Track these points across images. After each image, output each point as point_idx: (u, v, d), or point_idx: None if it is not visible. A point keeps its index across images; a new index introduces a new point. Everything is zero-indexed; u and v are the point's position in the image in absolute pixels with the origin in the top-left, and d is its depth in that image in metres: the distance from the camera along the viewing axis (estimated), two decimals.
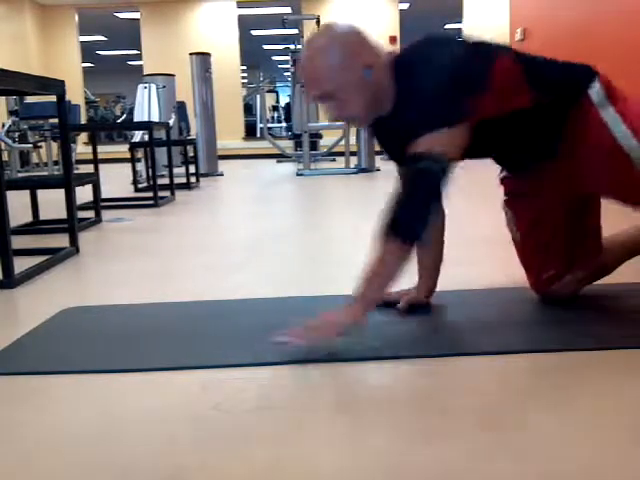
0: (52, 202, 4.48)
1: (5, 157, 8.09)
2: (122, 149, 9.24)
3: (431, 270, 1.85)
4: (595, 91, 1.60)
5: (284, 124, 15.40)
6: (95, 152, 4.69)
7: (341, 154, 8.53)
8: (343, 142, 7.95)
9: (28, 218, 3.97)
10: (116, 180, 7.54)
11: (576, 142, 1.60)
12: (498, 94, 1.54)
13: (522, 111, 1.58)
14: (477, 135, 1.54)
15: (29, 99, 8.25)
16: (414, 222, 1.47)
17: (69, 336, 1.72)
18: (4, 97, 9.26)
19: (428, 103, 1.49)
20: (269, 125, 12.67)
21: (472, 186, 5.16)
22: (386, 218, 1.48)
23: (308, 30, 10.09)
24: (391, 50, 1.63)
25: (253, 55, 15.11)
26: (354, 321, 1.48)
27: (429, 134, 1.46)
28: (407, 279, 1.71)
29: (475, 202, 4.24)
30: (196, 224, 3.82)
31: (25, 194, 3.95)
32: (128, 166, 7.14)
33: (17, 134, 9.01)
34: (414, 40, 1.62)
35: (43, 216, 4.03)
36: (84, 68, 12.29)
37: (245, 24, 12.20)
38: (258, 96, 13.72)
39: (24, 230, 3.70)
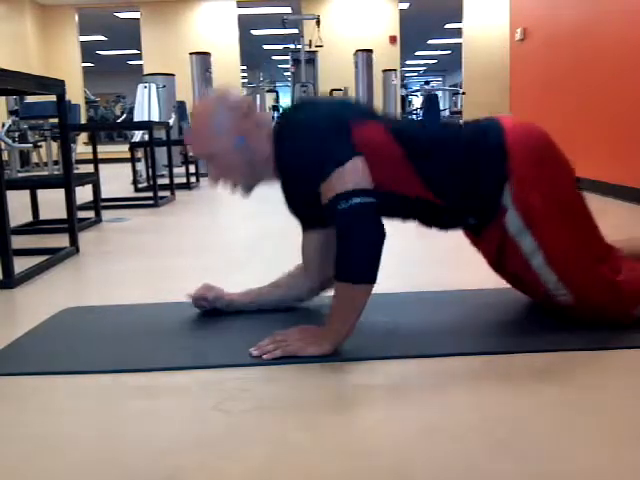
0: (52, 202, 4.48)
1: (5, 157, 8.09)
2: (122, 149, 9.25)
3: (274, 289, 1.87)
4: (510, 220, 1.56)
5: None
6: (95, 152, 4.69)
7: None
8: None
9: (28, 218, 3.97)
10: (116, 180, 7.54)
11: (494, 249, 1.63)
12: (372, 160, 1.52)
13: (427, 201, 1.59)
14: (391, 204, 1.59)
15: (29, 99, 8.25)
16: (365, 263, 1.44)
17: (69, 336, 1.72)
18: (4, 97, 9.26)
19: (311, 156, 1.50)
20: None
21: None
22: (339, 267, 1.45)
23: (308, 30, 10.09)
24: (273, 120, 1.66)
25: (253, 55, 15.11)
26: (323, 354, 1.48)
27: (328, 180, 1.45)
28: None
29: None
30: (196, 224, 3.82)
31: (25, 194, 3.96)
32: (128, 166, 7.15)
33: (17, 134, 9.01)
34: (288, 108, 1.67)
35: (43, 216, 4.03)
36: (84, 68, 12.29)
37: (245, 24, 12.20)
38: (258, 96, 13.74)
39: (24, 230, 3.70)
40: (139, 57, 12.20)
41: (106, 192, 5.49)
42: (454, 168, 1.56)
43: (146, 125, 5.39)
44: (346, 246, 1.43)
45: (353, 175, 1.45)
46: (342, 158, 1.46)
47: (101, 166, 4.78)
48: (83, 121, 11.35)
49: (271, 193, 2.63)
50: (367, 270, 1.44)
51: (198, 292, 1.86)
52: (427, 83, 16.17)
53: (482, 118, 1.69)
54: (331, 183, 1.45)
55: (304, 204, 1.68)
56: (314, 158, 1.49)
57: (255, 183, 1.66)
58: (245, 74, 15.64)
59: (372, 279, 1.45)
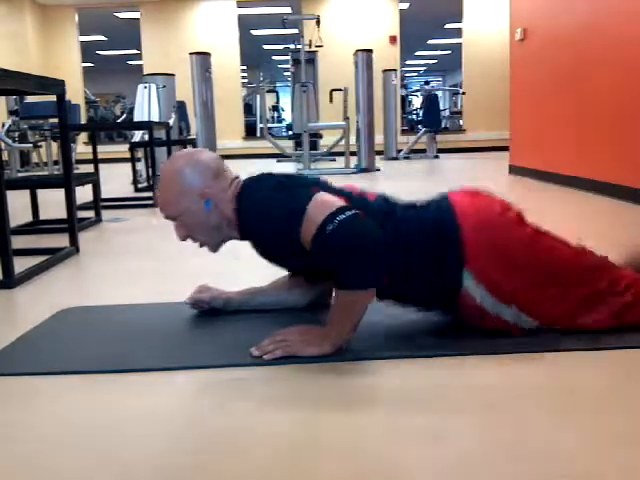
0: (52, 202, 4.48)
1: (5, 157, 8.09)
2: (122, 149, 9.24)
3: (273, 290, 1.87)
4: (481, 298, 1.54)
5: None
6: (95, 152, 4.69)
7: (341, 154, 8.53)
8: (343, 142, 7.95)
9: (28, 218, 3.96)
10: (116, 180, 7.54)
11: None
12: None
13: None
14: None
15: (29, 99, 8.24)
16: (363, 269, 1.42)
17: (69, 336, 1.72)
18: (4, 97, 9.26)
19: (279, 209, 1.50)
20: (269, 125, 12.68)
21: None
22: (339, 277, 1.43)
23: (308, 30, 10.09)
24: (240, 181, 1.65)
25: (253, 55, 15.11)
26: (323, 354, 1.48)
27: (305, 219, 1.44)
28: None
29: None
30: None
31: (25, 194, 3.95)
32: (128, 166, 7.15)
33: (17, 134, 9.00)
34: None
35: (43, 216, 4.03)
36: (84, 68, 12.29)
37: (245, 24, 12.20)
38: (258, 96, 13.74)
39: (24, 230, 3.70)
40: (139, 57, 12.20)
41: (106, 192, 5.48)
42: (410, 265, 1.55)
43: (146, 125, 5.39)
44: (343, 257, 1.41)
45: (327, 202, 1.45)
46: (309, 195, 1.47)
47: (101, 166, 4.78)
48: (83, 121, 11.35)
49: None
50: (366, 276, 1.43)
51: (195, 294, 1.86)
52: (427, 83, 16.16)
53: (434, 198, 1.68)
54: (309, 220, 1.43)
55: (290, 259, 1.65)
56: (282, 210, 1.49)
57: (222, 242, 1.66)
58: (245, 74, 15.64)
59: (372, 283, 1.44)
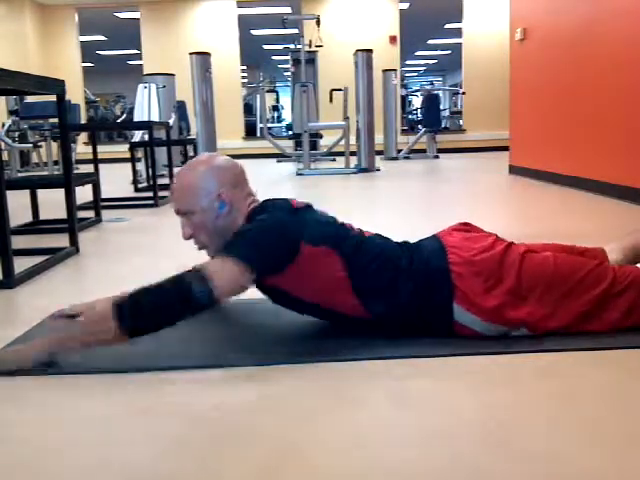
0: (52, 202, 4.48)
1: (5, 157, 8.09)
2: (122, 149, 9.24)
3: None
4: (479, 327, 1.55)
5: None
6: (95, 152, 4.69)
7: (341, 154, 8.53)
8: (343, 142, 7.95)
9: (28, 218, 3.96)
10: (116, 180, 7.54)
11: None
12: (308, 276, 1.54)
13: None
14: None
15: (29, 99, 8.24)
16: (145, 320, 1.41)
17: None
18: (4, 97, 9.26)
19: (245, 231, 1.53)
20: (269, 125, 12.68)
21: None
22: (126, 299, 1.41)
23: (308, 30, 10.09)
24: (257, 200, 1.67)
25: (253, 55, 15.10)
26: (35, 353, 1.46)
27: (221, 256, 1.45)
28: None
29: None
30: None
31: (25, 194, 3.95)
32: (128, 166, 7.14)
33: (17, 134, 9.00)
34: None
35: (43, 216, 4.03)
36: (84, 68, 12.28)
37: (245, 24, 12.19)
38: (258, 96, 13.73)
39: (24, 230, 3.70)
40: (139, 57, 12.20)
41: (106, 192, 5.48)
42: (400, 303, 1.56)
43: (146, 125, 5.40)
44: (155, 301, 1.41)
45: (234, 275, 1.43)
46: (245, 256, 1.45)
47: (101, 166, 4.78)
48: (83, 121, 11.34)
49: (271, 193, 2.62)
50: (143, 326, 1.41)
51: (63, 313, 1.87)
52: (432, 84, 16.15)
53: (424, 240, 1.69)
54: (216, 258, 1.45)
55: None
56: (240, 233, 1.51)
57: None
58: (245, 74, 15.63)
59: (134, 332, 1.40)
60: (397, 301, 1.56)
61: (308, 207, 1.66)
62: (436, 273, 1.56)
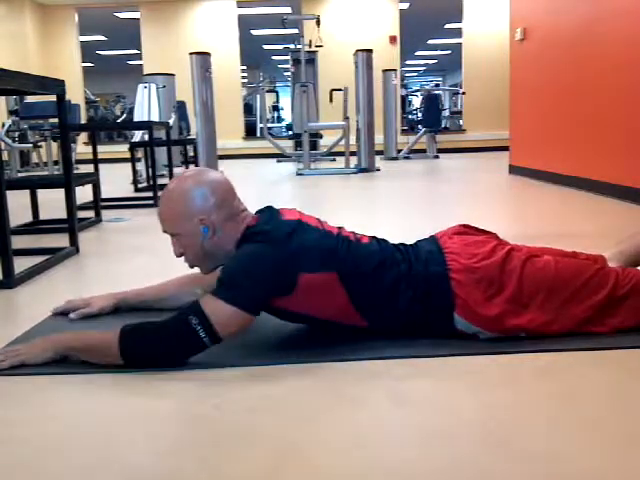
0: (52, 202, 4.48)
1: (5, 157, 8.09)
2: (122, 149, 9.24)
3: (137, 297, 1.92)
4: (464, 326, 1.55)
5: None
6: (95, 152, 4.68)
7: (341, 154, 8.53)
8: (343, 142, 7.95)
9: (28, 218, 3.96)
10: (116, 180, 7.54)
11: None
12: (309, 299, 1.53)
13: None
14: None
15: (29, 99, 8.24)
16: (146, 351, 1.45)
17: None
18: (4, 97, 9.26)
19: (241, 272, 1.49)
20: (269, 125, 12.68)
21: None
22: (134, 328, 1.45)
23: (308, 30, 10.09)
24: (250, 216, 1.62)
25: (253, 55, 15.10)
26: (44, 360, 1.49)
27: (218, 298, 1.44)
28: None
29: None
30: None
31: (25, 194, 3.95)
32: (128, 166, 7.14)
33: (17, 134, 9.00)
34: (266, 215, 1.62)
35: (43, 216, 4.03)
36: (84, 68, 12.28)
37: (245, 24, 12.19)
38: (258, 96, 13.73)
39: (24, 230, 3.70)
40: (139, 57, 12.19)
41: (106, 192, 5.48)
42: (399, 310, 1.56)
43: (146, 125, 5.39)
44: (158, 337, 1.44)
45: (233, 319, 1.43)
46: (246, 305, 1.45)
47: (101, 166, 4.78)
48: (83, 121, 11.34)
49: (271, 193, 2.62)
50: (139, 354, 1.44)
51: (58, 310, 1.91)
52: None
53: (423, 241, 1.69)
54: (217, 302, 1.43)
55: None
56: (238, 279, 1.47)
57: (214, 267, 1.62)
58: (245, 74, 15.63)
59: (132, 363, 1.44)
60: (396, 309, 1.56)
61: (299, 223, 1.58)
62: (435, 279, 1.55)
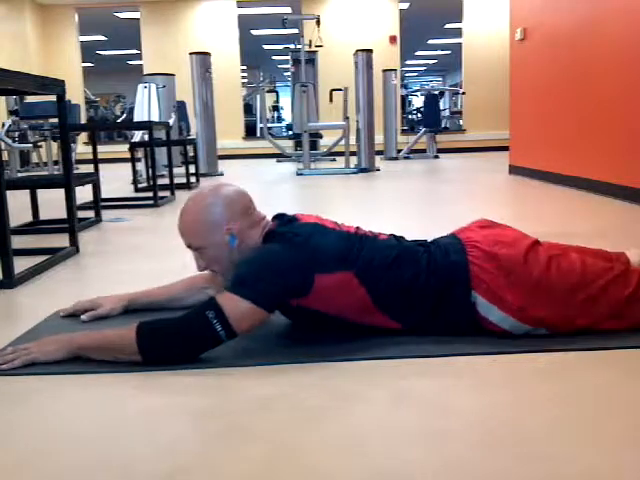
0: (52, 202, 4.48)
1: (5, 157, 8.09)
2: (122, 149, 9.25)
3: (147, 298, 1.92)
4: (501, 321, 1.55)
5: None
6: (95, 152, 4.69)
7: (341, 154, 8.53)
8: (343, 142, 7.95)
9: (28, 218, 3.96)
10: (116, 180, 7.54)
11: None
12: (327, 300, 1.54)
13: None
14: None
15: (29, 99, 8.25)
16: (163, 349, 1.46)
17: None
18: (4, 97, 9.26)
19: (252, 268, 1.51)
20: (269, 125, 12.68)
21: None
22: (151, 324, 1.47)
23: (308, 30, 10.09)
24: (269, 222, 1.65)
25: (253, 55, 15.10)
26: (55, 359, 1.50)
27: (231, 292, 1.46)
28: None
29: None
30: None
31: (25, 194, 3.95)
32: (128, 166, 7.15)
33: (17, 134, 9.00)
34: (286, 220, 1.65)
35: (43, 216, 4.03)
36: (84, 68, 12.28)
37: (245, 24, 12.19)
38: (258, 96, 13.73)
39: (24, 230, 3.70)
40: (139, 57, 12.20)
41: (106, 192, 5.48)
42: (424, 306, 1.57)
43: (146, 125, 5.39)
44: (176, 332, 1.45)
45: (249, 315, 1.45)
46: (261, 301, 1.46)
47: (101, 166, 4.78)
48: (83, 121, 11.35)
49: (271, 192, 2.62)
50: (157, 349, 1.45)
51: (68, 312, 1.91)
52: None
53: (443, 238, 1.69)
54: (233, 297, 1.44)
55: None
56: (253, 273, 1.49)
57: None
58: (245, 74, 15.63)
59: (150, 358, 1.45)
60: (419, 302, 1.56)
61: (316, 226, 1.61)
62: (456, 267, 1.55)
